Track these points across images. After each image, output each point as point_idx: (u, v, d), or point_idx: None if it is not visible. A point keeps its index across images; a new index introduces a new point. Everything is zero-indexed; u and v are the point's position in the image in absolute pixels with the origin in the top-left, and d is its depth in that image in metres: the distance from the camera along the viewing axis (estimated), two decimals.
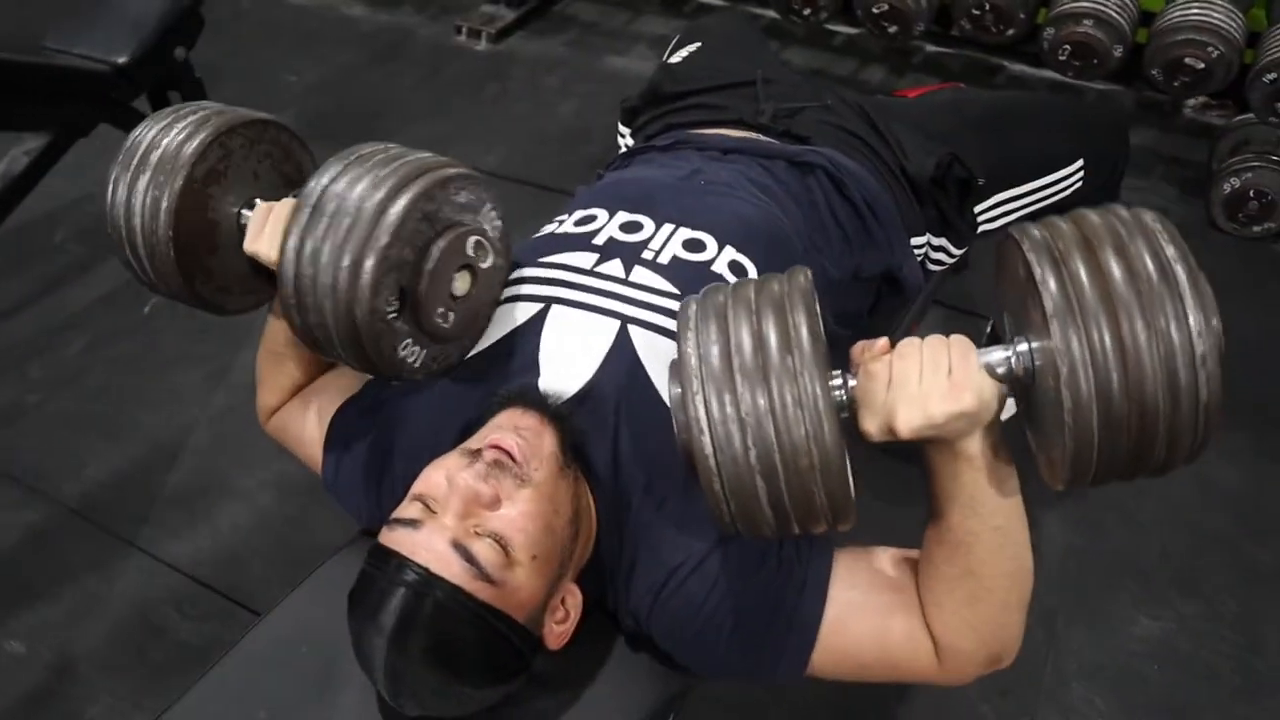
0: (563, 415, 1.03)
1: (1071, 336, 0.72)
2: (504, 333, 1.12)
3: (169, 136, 1.07)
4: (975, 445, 0.86)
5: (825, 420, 0.74)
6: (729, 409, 0.75)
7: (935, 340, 0.84)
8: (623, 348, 1.07)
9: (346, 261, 0.92)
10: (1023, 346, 0.81)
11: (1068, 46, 2.49)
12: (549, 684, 1.04)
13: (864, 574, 1.01)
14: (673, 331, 1.06)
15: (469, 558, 0.91)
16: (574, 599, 1.03)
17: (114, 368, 2.29)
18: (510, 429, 1.00)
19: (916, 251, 1.44)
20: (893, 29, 2.76)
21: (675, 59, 1.72)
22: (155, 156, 1.06)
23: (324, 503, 1.24)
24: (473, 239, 1.00)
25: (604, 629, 1.10)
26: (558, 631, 1.01)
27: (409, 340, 1.02)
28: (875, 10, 2.71)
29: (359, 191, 0.93)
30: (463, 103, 3.16)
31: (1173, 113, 2.98)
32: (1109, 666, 1.58)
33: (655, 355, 1.06)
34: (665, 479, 1.02)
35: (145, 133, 1.08)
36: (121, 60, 2.39)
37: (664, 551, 1.01)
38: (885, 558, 1.03)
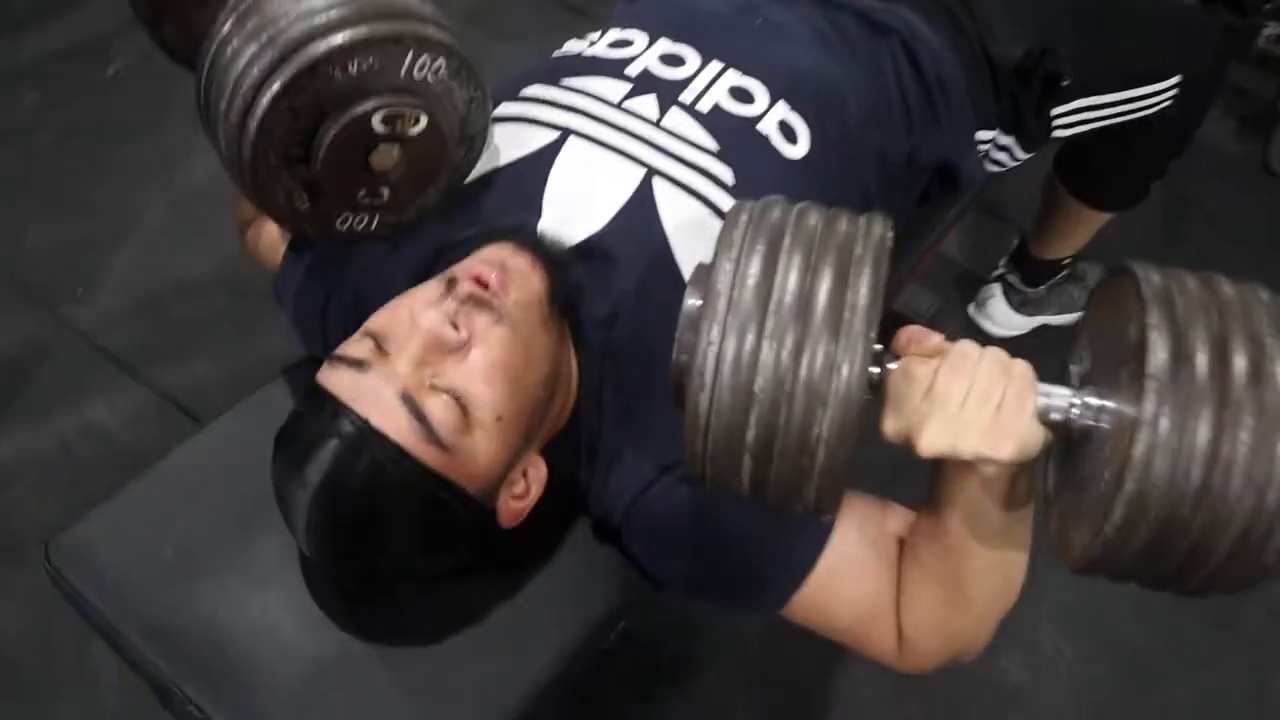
0: (559, 261, 0.89)
1: (1164, 416, 0.58)
2: (508, 159, 0.96)
3: None
4: (994, 474, 0.74)
5: (847, 424, 0.61)
6: (743, 365, 0.62)
7: (995, 363, 0.69)
8: (643, 201, 0.92)
9: (230, 128, 0.80)
10: (1093, 400, 0.68)
11: None
12: (494, 563, 0.93)
13: (872, 534, 0.90)
14: (700, 193, 0.93)
15: (419, 415, 0.78)
16: (537, 472, 0.90)
17: (68, 131, 2.10)
18: (496, 264, 0.85)
19: (981, 147, 1.29)
20: None
21: None
22: None
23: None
24: (378, 114, 0.82)
25: (566, 511, 0.98)
26: (514, 508, 0.89)
27: (346, 214, 0.88)
28: None
29: (246, 56, 0.80)
30: None
31: (1247, 41, 2.77)
32: (1082, 614, 1.52)
33: (679, 219, 0.92)
34: (664, 366, 0.88)
35: None
36: None
37: (657, 446, 0.89)
38: (898, 521, 0.91)
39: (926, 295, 1.82)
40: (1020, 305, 1.85)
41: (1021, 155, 1.34)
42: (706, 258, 0.87)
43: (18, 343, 1.74)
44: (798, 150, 1.00)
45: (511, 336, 0.83)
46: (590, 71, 1.01)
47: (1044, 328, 1.87)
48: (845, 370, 0.60)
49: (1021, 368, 0.69)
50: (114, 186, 1.99)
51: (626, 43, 1.05)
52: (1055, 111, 1.30)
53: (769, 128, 0.99)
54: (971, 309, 1.91)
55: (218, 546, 0.97)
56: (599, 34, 1.09)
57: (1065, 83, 1.26)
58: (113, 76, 2.18)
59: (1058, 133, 1.33)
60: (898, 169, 1.14)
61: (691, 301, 0.67)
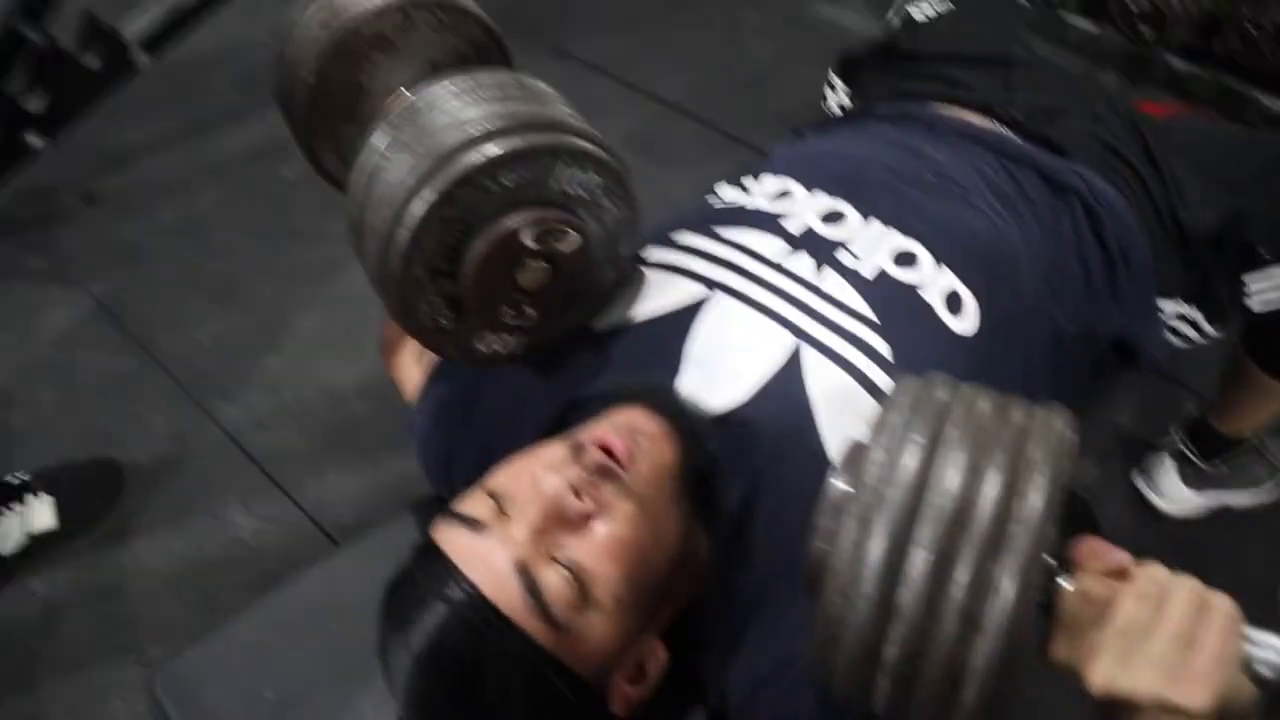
0: (696, 432, 0.83)
1: None
2: (652, 310, 0.92)
3: None
4: None
5: (1005, 657, 0.53)
6: (886, 571, 0.54)
7: (1191, 593, 0.58)
8: (791, 373, 0.86)
9: (379, 239, 0.80)
10: None
11: None
12: None
13: None
14: (853, 365, 0.86)
15: (532, 588, 0.73)
16: (656, 659, 0.84)
17: (243, 227, 2.19)
18: (625, 430, 0.80)
19: (1163, 319, 1.18)
20: (1147, 32, 2.43)
21: (917, 14, 1.46)
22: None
23: None
24: (529, 231, 0.80)
25: (683, 700, 0.90)
26: (628, 693, 0.82)
27: (485, 334, 0.86)
28: (1134, 8, 2.38)
29: (400, 167, 0.80)
30: (653, 22, 2.95)
31: None
32: None
33: (828, 394, 0.85)
34: (795, 556, 0.81)
35: None
36: None
37: (780, 638, 0.82)
38: None
39: (1084, 462, 1.68)
40: (1196, 481, 1.69)
41: (1209, 330, 1.22)
42: (854, 437, 0.82)
43: (167, 436, 1.79)
44: (964, 323, 0.92)
45: (638, 513, 0.77)
46: (746, 223, 0.96)
47: (1225, 511, 1.69)
48: (1006, 594, 0.52)
49: (1224, 603, 0.59)
50: (277, 286, 2.06)
51: (784, 194, 1.00)
52: (1249, 282, 1.19)
53: (933, 297, 0.92)
54: (1138, 479, 1.76)
55: (316, 696, 0.94)
56: (755, 180, 1.04)
57: (1264, 255, 1.15)
58: (290, 180, 2.28)
59: (1250, 305, 1.21)
60: (1071, 343, 1.05)
61: (837, 485, 0.60)
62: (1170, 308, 1.18)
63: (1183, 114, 1.81)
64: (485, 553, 0.74)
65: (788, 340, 0.87)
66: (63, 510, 1.58)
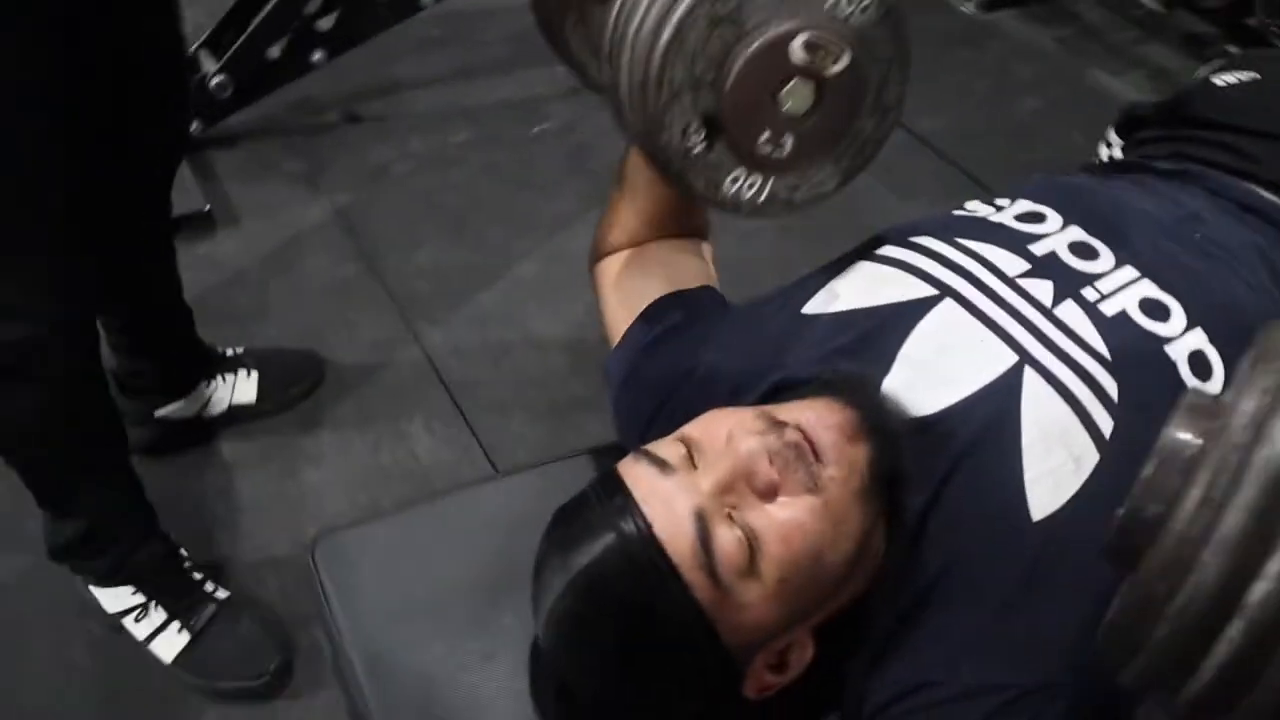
0: (891, 434, 0.79)
1: None
2: (874, 302, 0.88)
3: None
4: None
5: None
6: (1244, 548, 0.44)
7: None
8: (1008, 389, 0.80)
9: (641, 41, 0.76)
10: None
11: None
12: None
13: None
14: (1075, 397, 0.79)
15: (705, 540, 0.71)
16: (802, 652, 0.80)
17: (484, 170, 2.27)
18: (828, 422, 0.77)
19: None
20: None
21: (1218, 80, 1.36)
22: None
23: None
24: (800, 39, 0.75)
25: (818, 705, 0.86)
26: (765, 680, 0.79)
27: (739, 171, 0.82)
28: None
29: None
30: (926, 57, 2.83)
31: None
32: None
33: (1040, 419, 0.79)
34: (976, 573, 0.77)
35: None
36: None
37: (929, 654, 0.77)
38: None
39: None
40: None
41: None
42: (1058, 475, 0.76)
43: (371, 344, 1.87)
44: (1210, 389, 0.83)
45: (822, 508, 0.74)
46: (989, 238, 0.91)
47: None
48: None
49: None
50: (504, 230, 2.11)
51: (1037, 217, 0.94)
52: None
53: (1178, 354, 0.83)
54: None
55: (465, 603, 0.95)
56: (1009, 200, 0.98)
57: None
58: (536, 135, 2.35)
59: None
60: None
61: (1181, 436, 0.51)
62: None
63: None
64: (666, 493, 0.73)
65: (1010, 357, 0.82)
66: (263, 388, 1.68)
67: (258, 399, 1.68)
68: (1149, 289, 0.87)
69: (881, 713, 0.78)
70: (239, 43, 2.10)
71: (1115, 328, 0.84)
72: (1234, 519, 0.44)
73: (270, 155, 2.25)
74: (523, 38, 2.55)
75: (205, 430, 1.66)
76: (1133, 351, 0.83)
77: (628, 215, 1.08)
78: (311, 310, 1.92)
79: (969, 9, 3.11)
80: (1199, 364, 0.84)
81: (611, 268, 1.09)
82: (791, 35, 0.75)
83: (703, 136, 0.80)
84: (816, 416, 0.77)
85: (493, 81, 2.49)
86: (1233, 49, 3.01)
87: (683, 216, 1.09)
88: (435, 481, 1.65)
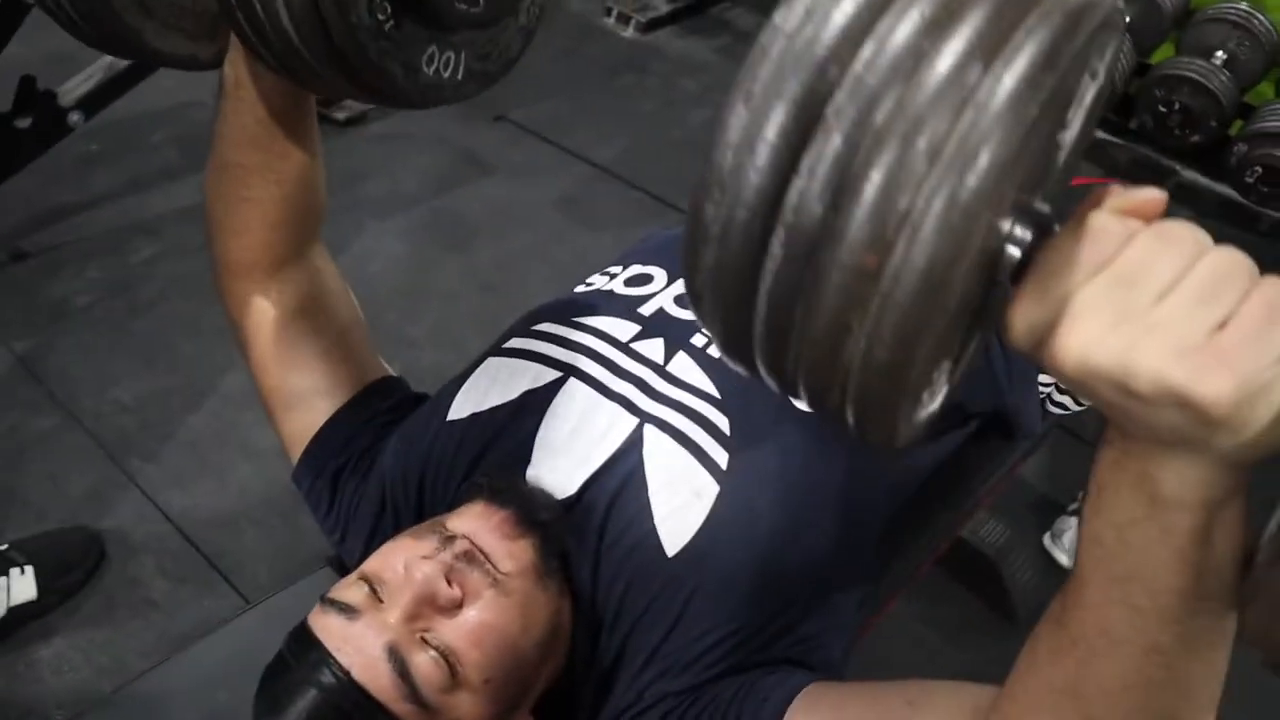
0: (542, 523, 0.86)
1: None
2: (507, 397, 0.95)
3: None
4: (1180, 482, 0.44)
5: (928, 285, 0.38)
6: (779, 161, 0.39)
7: (1230, 255, 0.41)
8: (632, 451, 0.89)
9: None
10: None
11: (1259, 168, 2.24)
12: None
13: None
14: (695, 443, 0.89)
15: (403, 672, 0.75)
16: None
17: (172, 287, 2.20)
18: (490, 525, 0.84)
19: (1041, 390, 1.23)
20: None
21: None
22: None
23: None
24: None
25: None
26: None
27: (432, 49, 0.76)
28: None
29: None
30: (594, 87, 3.02)
31: None
32: None
33: (662, 469, 0.88)
34: (640, 616, 0.85)
35: None
36: None
37: (643, 673, 0.85)
38: (895, 695, 0.74)
39: (994, 523, 1.73)
40: None
41: (1086, 402, 1.28)
42: (685, 509, 0.85)
43: (85, 496, 1.78)
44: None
45: (506, 600, 0.80)
46: (602, 309, 1.00)
47: None
48: (964, 184, 0.36)
49: (1275, 281, 0.41)
50: (202, 344, 2.06)
51: (646, 279, 1.03)
52: None
53: None
54: (1047, 540, 1.81)
55: None
56: (621, 267, 1.07)
57: None
58: None
59: None
60: (946, 415, 1.09)
61: (760, 44, 0.40)
62: (1047, 380, 1.23)
63: (1088, 184, 1.87)
64: (357, 637, 0.76)
65: (631, 422, 0.90)
66: (42, 582, 1.57)
67: (38, 594, 1.56)
68: None
69: None
70: None
71: (721, 366, 0.92)
72: (776, 118, 0.39)
73: None
74: (192, 138, 2.49)
75: None
76: (738, 385, 0.92)
77: (241, 211, 0.96)
78: (13, 473, 1.81)
79: (629, 34, 3.28)
80: None
81: (260, 318, 1.01)
82: None
83: (391, 15, 0.73)
84: (479, 523, 0.83)
85: (167, 189, 2.42)
86: None
87: (308, 186, 0.97)
88: (181, 625, 1.60)
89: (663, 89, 3.05)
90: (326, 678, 0.75)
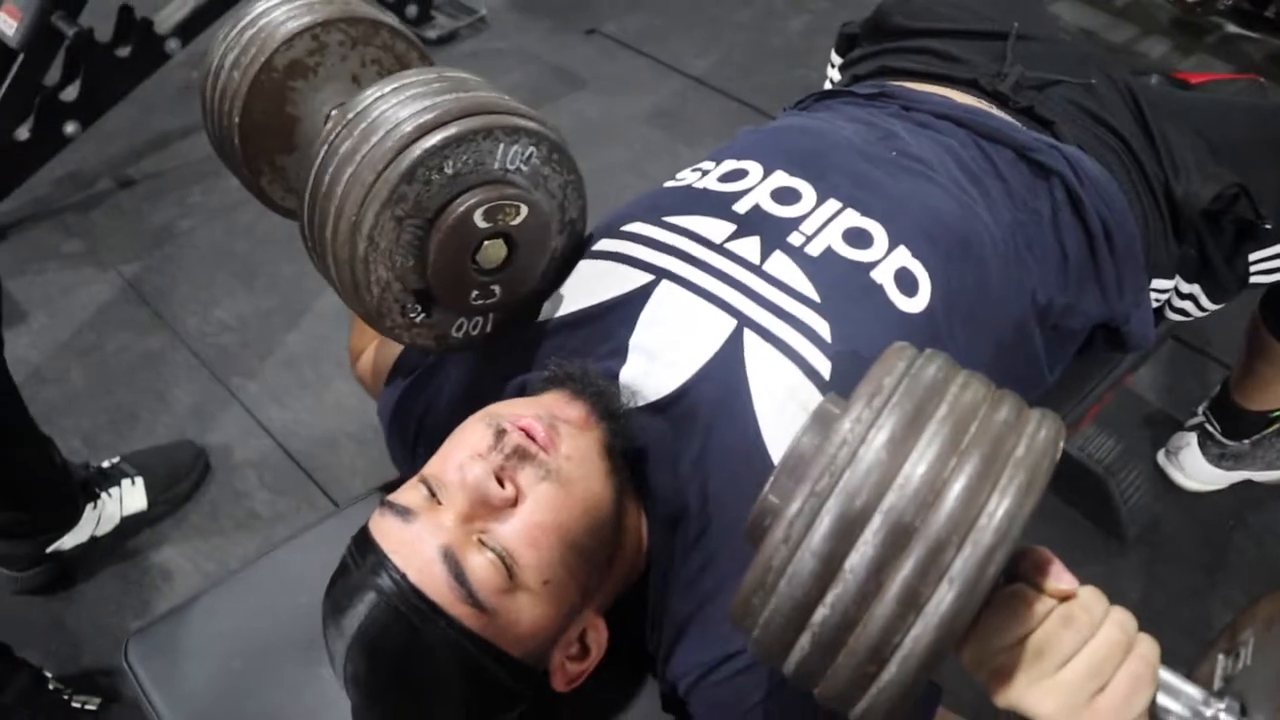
0: (615, 414, 0.84)
1: None
2: (598, 299, 0.92)
3: (270, 16, 0.95)
4: None
5: (934, 650, 0.51)
6: (839, 534, 0.52)
7: (1117, 631, 0.57)
8: (731, 356, 0.85)
9: (340, 250, 0.82)
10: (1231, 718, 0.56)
11: None
12: None
13: None
14: (790, 347, 0.85)
15: (458, 573, 0.74)
16: (597, 635, 0.85)
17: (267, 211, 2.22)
18: (545, 414, 0.81)
19: (1158, 297, 1.14)
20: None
21: None
22: (249, 34, 0.95)
23: None
24: (480, 210, 0.81)
25: (633, 673, 0.91)
26: (570, 671, 0.84)
27: (460, 321, 0.89)
28: None
29: (343, 180, 0.81)
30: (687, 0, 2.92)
31: None
32: None
33: (764, 376, 0.84)
34: (734, 525, 0.81)
35: (259, 4, 0.97)
36: None
37: (722, 628, 0.82)
38: None
39: (1103, 438, 1.64)
40: (1219, 459, 1.65)
41: (1209, 306, 1.18)
42: (792, 424, 0.81)
43: (190, 411, 1.85)
44: (916, 303, 0.89)
45: (561, 494, 0.78)
46: (694, 208, 0.95)
47: (1246, 483, 1.65)
48: (955, 590, 0.50)
49: (1147, 647, 0.57)
50: (298, 266, 2.09)
51: (740, 174, 0.98)
52: (1253, 258, 1.14)
53: (883, 276, 0.89)
54: (1161, 457, 1.72)
55: (282, 669, 0.96)
56: (714, 163, 1.02)
57: (1268, 226, 1.10)
58: None
59: (1256, 279, 1.17)
60: (1046, 326, 1.02)
61: (806, 440, 0.57)
62: (1165, 285, 1.14)
63: (1222, 79, 1.72)
64: (413, 540, 0.76)
65: (729, 324, 0.86)
66: (152, 493, 1.64)
67: (149, 505, 1.64)
68: (852, 218, 0.92)
69: (694, 689, 0.83)
70: None
71: (822, 267, 0.89)
72: (817, 535, 0.51)
73: (46, 240, 2.18)
74: None
75: (98, 549, 1.61)
76: (841, 288, 0.88)
77: (368, 329, 1.11)
78: (121, 390, 1.88)
79: None
80: (905, 280, 0.90)
81: (367, 357, 1.14)
82: (472, 210, 0.81)
83: (420, 309, 0.87)
84: (536, 411, 0.81)
85: None
86: None
87: None
88: (281, 534, 1.64)
89: None
90: (384, 580, 0.74)
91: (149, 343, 1.96)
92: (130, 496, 1.62)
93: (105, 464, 1.64)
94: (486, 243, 0.83)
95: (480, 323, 0.91)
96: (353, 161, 0.80)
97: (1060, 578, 0.58)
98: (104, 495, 1.59)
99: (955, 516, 0.50)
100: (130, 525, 1.62)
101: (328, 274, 0.87)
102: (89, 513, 1.57)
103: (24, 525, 1.52)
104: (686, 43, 2.72)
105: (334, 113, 0.95)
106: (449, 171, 0.80)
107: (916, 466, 0.51)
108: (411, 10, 2.63)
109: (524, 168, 0.84)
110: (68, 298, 2.05)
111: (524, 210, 0.83)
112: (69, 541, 1.55)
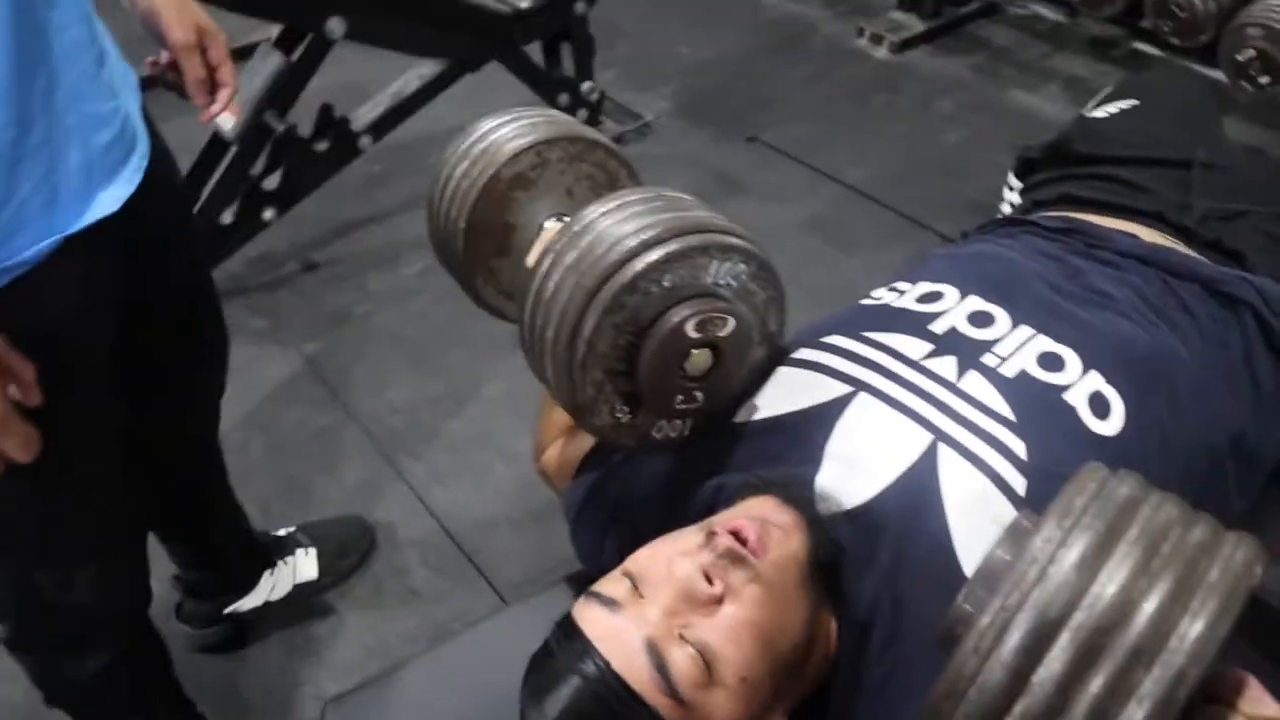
0: (823, 522, 0.86)
1: None
2: (797, 406, 0.95)
3: (498, 133, 1.04)
4: None
5: None
6: (1028, 649, 0.53)
7: None
8: (926, 470, 0.87)
9: (559, 352, 0.87)
10: None
11: None
12: None
13: None
14: (987, 464, 0.86)
15: (660, 665, 0.77)
16: None
17: (442, 297, 2.34)
18: (757, 519, 0.84)
19: None
20: None
21: (1099, 113, 1.44)
22: (479, 148, 1.04)
23: None
24: (692, 322, 0.86)
25: None
26: None
27: (662, 423, 0.94)
28: None
29: (569, 286, 0.87)
30: (847, 108, 2.99)
31: None
32: None
33: (961, 493, 0.85)
34: (931, 650, 0.81)
35: (485, 123, 1.07)
36: (524, 5, 2.44)
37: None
38: None
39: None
40: None
41: None
42: (985, 538, 0.81)
43: (358, 488, 1.93)
44: (1109, 426, 0.90)
45: (766, 597, 0.80)
46: (893, 326, 0.98)
47: None
48: (1145, 710, 0.50)
49: None
50: (467, 353, 2.19)
51: (936, 296, 1.01)
52: None
53: (1077, 399, 0.90)
54: None
55: None
56: (910, 284, 1.05)
57: None
58: None
59: None
60: (1239, 454, 1.00)
61: (999, 554, 0.59)
62: None
63: None
64: (619, 630, 0.79)
65: (924, 438, 0.88)
66: (323, 563, 1.73)
67: (319, 574, 1.72)
68: (1044, 343, 0.94)
69: None
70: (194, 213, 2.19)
71: (1017, 388, 0.91)
72: (1008, 647, 0.53)
73: (235, 316, 2.30)
74: None
75: (267, 612, 1.69)
76: (1035, 408, 0.89)
77: (554, 413, 1.18)
78: (296, 463, 1.98)
79: (882, 54, 3.24)
80: (1098, 403, 0.91)
81: (553, 452, 1.18)
82: (684, 321, 0.86)
83: (627, 410, 0.92)
84: (748, 516, 0.84)
85: None
86: (1140, 46, 3.13)
87: None
88: (438, 614, 1.70)
89: (916, 109, 2.98)
90: (588, 667, 0.77)
91: (323, 419, 2.07)
92: (303, 565, 1.70)
93: (282, 532, 1.73)
94: (694, 351, 0.88)
95: (680, 426, 0.95)
96: (577, 270, 0.85)
97: (1261, 701, 0.56)
98: (280, 562, 1.68)
99: (1145, 636, 0.51)
100: (300, 593, 1.70)
101: (543, 373, 0.92)
102: (266, 578, 1.65)
103: (211, 585, 1.61)
104: (844, 153, 2.77)
105: (553, 224, 1.02)
106: (666, 284, 0.85)
107: (1107, 586, 0.52)
108: (581, 114, 2.76)
109: (733, 282, 0.89)
110: (251, 372, 2.17)
111: (731, 323, 0.87)
112: (246, 604, 1.64)
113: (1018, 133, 1.47)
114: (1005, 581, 0.54)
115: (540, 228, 1.05)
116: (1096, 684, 0.51)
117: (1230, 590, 0.52)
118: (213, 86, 1.22)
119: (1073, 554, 0.54)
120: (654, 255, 0.84)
